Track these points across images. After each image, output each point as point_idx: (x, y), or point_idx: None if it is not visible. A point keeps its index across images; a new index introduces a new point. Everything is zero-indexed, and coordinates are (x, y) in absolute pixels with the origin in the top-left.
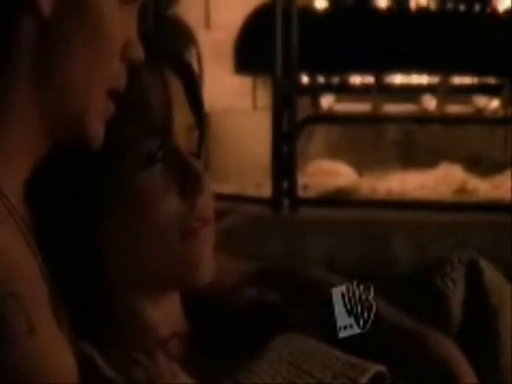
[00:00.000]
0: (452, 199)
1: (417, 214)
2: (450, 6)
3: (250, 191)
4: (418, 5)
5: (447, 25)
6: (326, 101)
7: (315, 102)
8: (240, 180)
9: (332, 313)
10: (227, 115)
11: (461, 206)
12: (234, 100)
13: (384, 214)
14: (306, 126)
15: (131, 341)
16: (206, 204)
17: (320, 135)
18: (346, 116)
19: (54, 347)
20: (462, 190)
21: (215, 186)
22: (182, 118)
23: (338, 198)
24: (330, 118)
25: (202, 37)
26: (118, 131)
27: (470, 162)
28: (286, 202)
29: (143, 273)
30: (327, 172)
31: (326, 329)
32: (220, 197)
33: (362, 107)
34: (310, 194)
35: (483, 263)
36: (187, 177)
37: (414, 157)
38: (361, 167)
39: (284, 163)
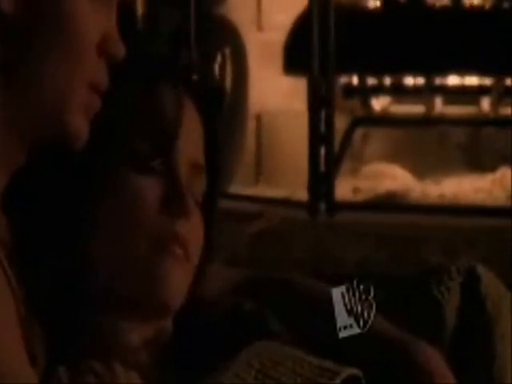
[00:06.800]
0: (505, 204)
1: (456, 218)
2: (505, 5)
3: (301, 193)
4: (472, 4)
5: (502, 24)
6: (380, 102)
7: (366, 104)
8: (291, 182)
9: (313, 322)
10: (279, 116)
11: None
12: (286, 101)
13: (421, 218)
14: (355, 128)
15: (93, 350)
16: (188, 233)
17: (379, 137)
18: (395, 118)
19: (11, 359)
20: None
21: (265, 188)
22: (190, 149)
23: (379, 203)
24: (378, 120)
25: (254, 38)
26: (118, 127)
27: None
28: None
29: (114, 284)
30: (382, 175)
31: (305, 337)
32: (256, 200)
33: (417, 109)
34: (360, 197)
35: (482, 272)
36: (173, 196)
37: (479, 161)
38: (423, 171)
39: (320, 166)
